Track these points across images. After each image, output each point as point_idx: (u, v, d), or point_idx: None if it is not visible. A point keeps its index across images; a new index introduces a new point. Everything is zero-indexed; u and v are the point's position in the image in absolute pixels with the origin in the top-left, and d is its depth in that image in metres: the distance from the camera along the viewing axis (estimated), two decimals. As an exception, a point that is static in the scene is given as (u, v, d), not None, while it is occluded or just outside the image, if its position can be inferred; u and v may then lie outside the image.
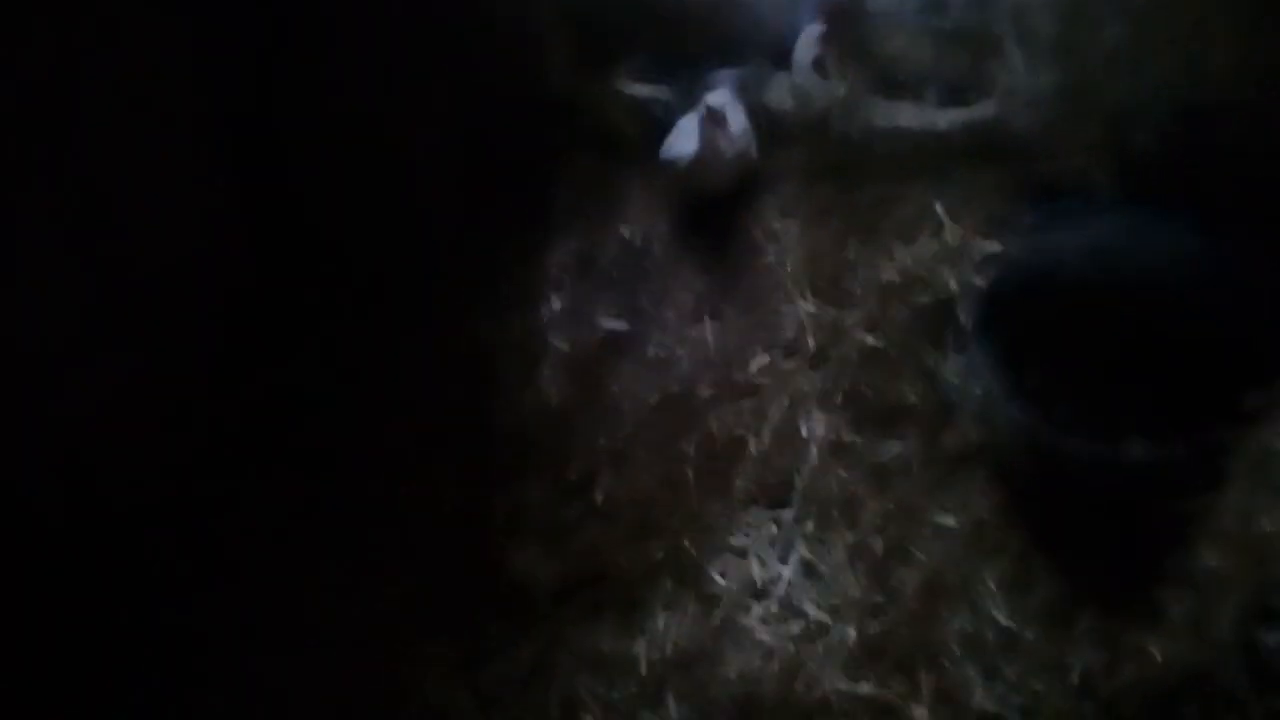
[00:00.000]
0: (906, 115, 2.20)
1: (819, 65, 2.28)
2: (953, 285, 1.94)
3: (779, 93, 2.32)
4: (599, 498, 1.82)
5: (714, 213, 2.21)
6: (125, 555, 1.64)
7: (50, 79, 1.38)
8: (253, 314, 2.02)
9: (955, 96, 2.19)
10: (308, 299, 2.10)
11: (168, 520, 1.78)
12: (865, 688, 1.54)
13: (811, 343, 1.98)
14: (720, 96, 2.11)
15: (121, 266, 1.58)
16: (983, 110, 2.13)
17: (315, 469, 1.90)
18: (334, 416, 1.98)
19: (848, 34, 2.30)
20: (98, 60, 1.49)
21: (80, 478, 1.51)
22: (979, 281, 1.88)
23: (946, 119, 2.16)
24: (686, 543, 1.75)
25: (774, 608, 1.67)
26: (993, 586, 1.60)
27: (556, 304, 2.12)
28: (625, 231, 2.22)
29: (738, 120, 2.21)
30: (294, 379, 2.01)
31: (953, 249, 2.00)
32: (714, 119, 2.07)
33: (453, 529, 1.81)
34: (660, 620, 1.66)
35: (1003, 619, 1.57)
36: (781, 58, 2.34)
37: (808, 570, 1.70)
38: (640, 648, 1.63)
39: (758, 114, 2.27)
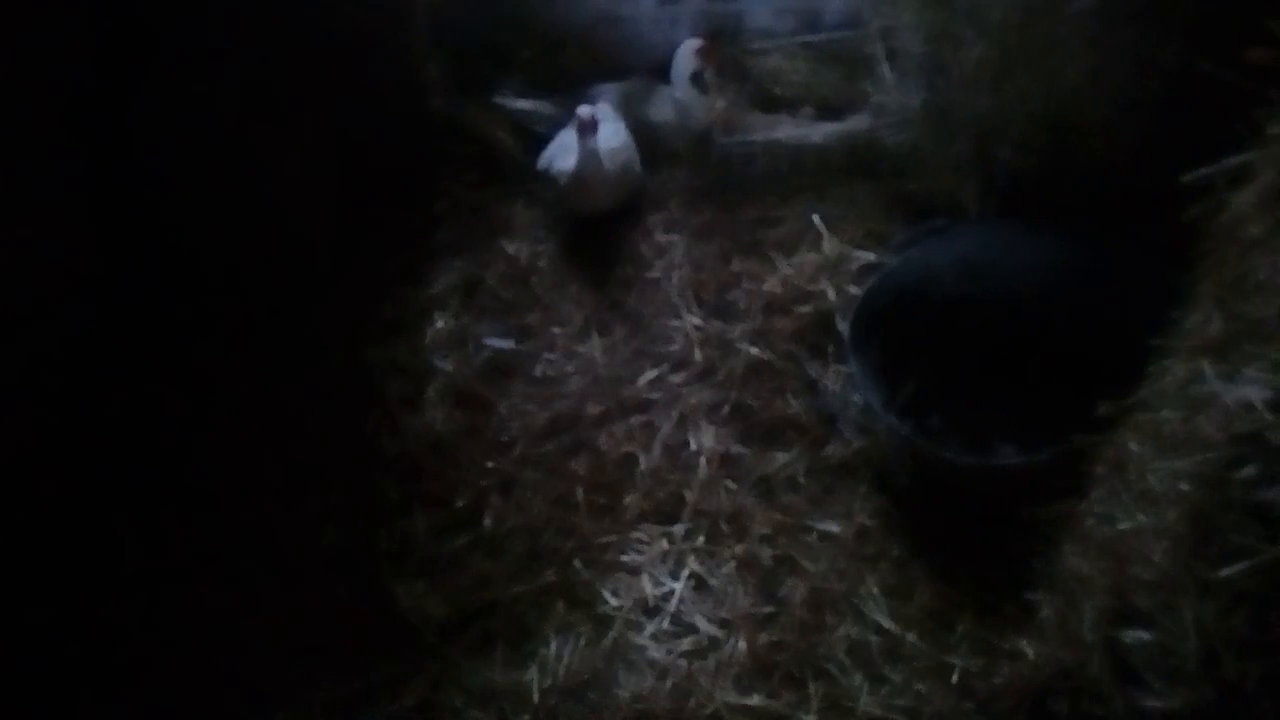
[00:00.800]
0: (784, 129, 2.25)
1: (698, 80, 2.31)
2: (832, 296, 2.00)
3: (661, 107, 2.34)
4: (487, 524, 1.79)
5: (599, 229, 2.21)
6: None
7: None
8: (114, 341, 1.91)
9: (830, 113, 2.25)
10: (176, 324, 2.00)
11: (17, 568, 1.66)
12: (756, 699, 1.56)
13: (699, 357, 2.00)
14: (591, 108, 2.11)
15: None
16: (855, 124, 2.20)
17: (188, 504, 1.81)
18: (206, 448, 1.89)
19: (725, 50, 2.34)
20: None
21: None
22: (856, 292, 1.94)
23: (822, 133, 2.21)
24: (578, 564, 1.74)
25: (666, 624, 1.67)
26: (876, 593, 1.64)
27: (441, 325, 2.08)
28: (510, 249, 2.20)
29: (619, 134, 2.22)
30: (161, 408, 1.91)
31: (831, 261, 2.06)
32: (585, 127, 2.07)
33: (336, 564, 1.74)
34: (553, 646, 1.65)
35: (886, 623, 1.61)
36: (661, 73, 2.36)
37: (699, 584, 1.72)
38: (533, 676, 1.61)
39: (640, 128, 2.28)
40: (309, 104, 2.06)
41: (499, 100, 2.33)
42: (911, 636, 1.59)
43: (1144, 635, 1.22)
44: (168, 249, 1.99)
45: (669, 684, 1.58)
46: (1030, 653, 1.50)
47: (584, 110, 2.08)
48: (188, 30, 1.94)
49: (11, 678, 1.59)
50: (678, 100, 2.31)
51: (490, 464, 1.87)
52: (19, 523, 1.69)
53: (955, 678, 1.54)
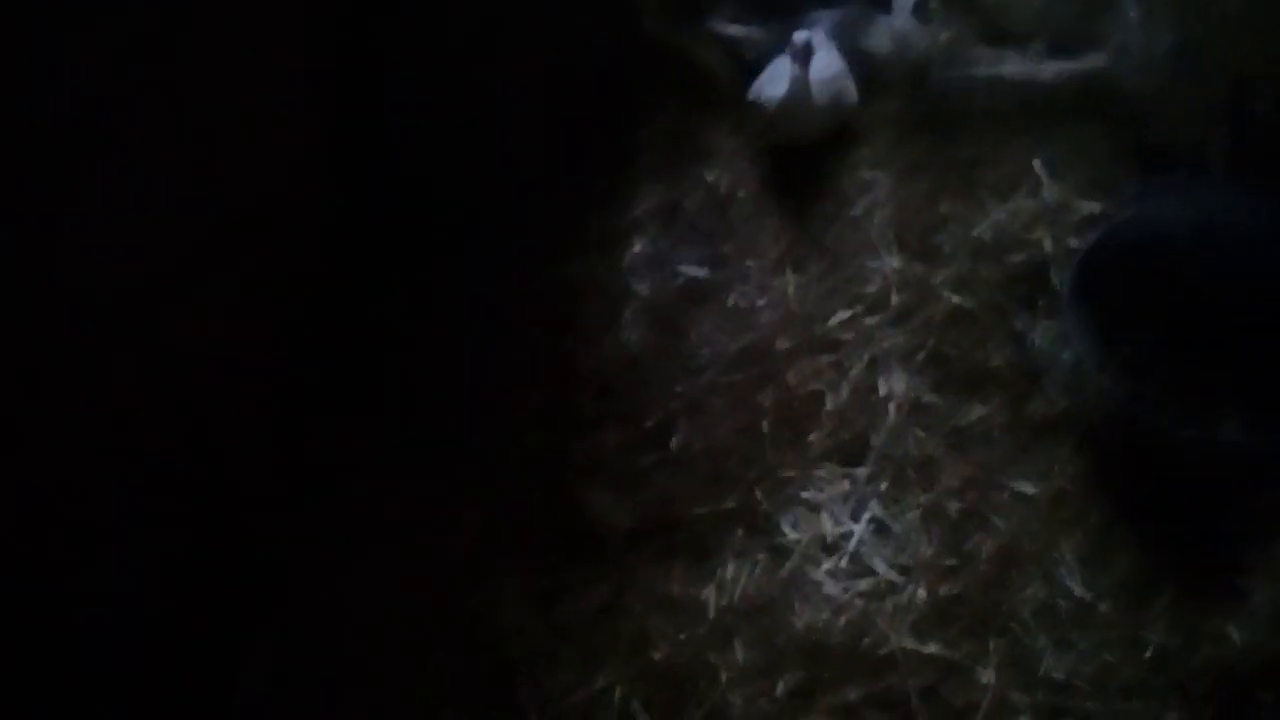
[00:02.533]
0: (1010, 65, 2.12)
1: (920, 9, 2.21)
2: (1048, 246, 1.90)
3: (878, 37, 2.25)
4: (674, 446, 1.84)
5: (804, 161, 2.16)
6: (223, 478, 1.72)
7: (160, 20, 1.40)
8: (345, 252, 2.05)
9: (1063, 50, 2.10)
10: (397, 237, 2.13)
11: (266, 447, 1.85)
12: (934, 648, 1.56)
13: (896, 300, 1.95)
14: (807, 33, 2.05)
15: (225, 202, 1.62)
16: (1092, 64, 2.05)
17: (404, 401, 1.95)
18: (421, 352, 2.01)
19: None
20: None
21: (186, 406, 1.57)
22: (1076, 245, 1.84)
23: (1052, 71, 2.08)
24: (759, 494, 1.77)
25: (844, 563, 1.68)
26: (1070, 558, 1.59)
27: (639, 249, 2.12)
28: (711, 178, 2.19)
29: (833, 64, 2.15)
30: (383, 316, 2.05)
31: (1051, 209, 1.95)
32: (799, 55, 2.02)
33: (531, 468, 1.84)
34: (730, 568, 1.69)
35: (1078, 590, 1.56)
36: (880, 1, 2.27)
37: (879, 528, 1.71)
38: (710, 593, 1.66)
39: (855, 58, 2.21)
40: (530, 30, 2.11)
41: (711, 25, 2.31)
42: (1104, 606, 1.54)
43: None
44: (398, 168, 2.10)
45: (844, 620, 1.60)
46: (1237, 639, 1.43)
47: (799, 36, 2.03)
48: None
49: (236, 539, 1.77)
50: (897, 30, 2.22)
51: (679, 388, 1.91)
52: (281, 411, 1.85)
53: (1150, 653, 1.48)
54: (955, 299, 1.91)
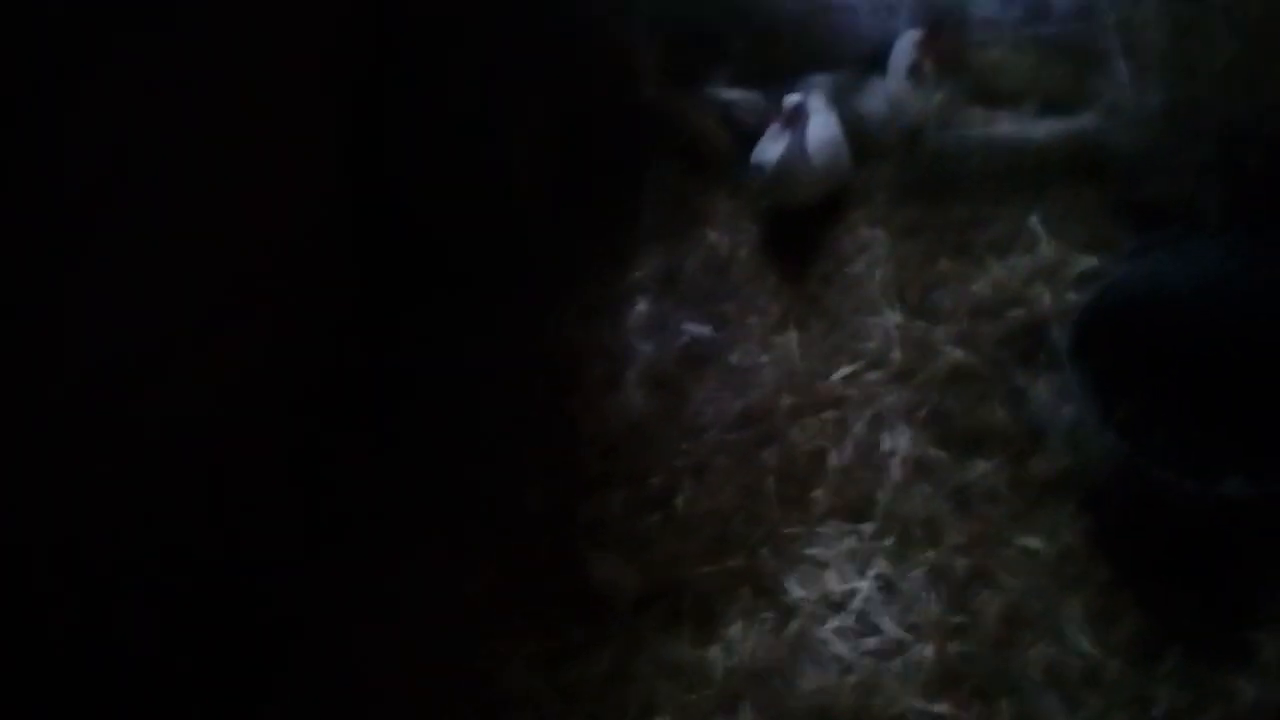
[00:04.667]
0: (1004, 126, 2.17)
1: (915, 72, 2.26)
2: (1047, 303, 1.92)
3: (873, 100, 2.30)
4: (679, 506, 1.85)
5: (803, 222, 2.20)
6: (235, 536, 1.73)
7: (172, 82, 1.44)
8: (355, 310, 2.09)
9: (1055, 110, 2.15)
10: (406, 296, 2.17)
11: (278, 505, 1.87)
12: (943, 708, 1.54)
13: (897, 357, 1.97)
14: (798, 97, 2.11)
15: (238, 261, 1.66)
16: (1084, 123, 2.09)
17: (413, 454, 1.97)
18: (430, 411, 2.04)
19: (946, 41, 2.27)
20: (230, 55, 1.57)
21: (199, 463, 1.60)
22: (1075, 301, 1.86)
23: (1045, 131, 2.12)
24: (764, 553, 1.77)
25: (851, 622, 1.67)
26: (1078, 615, 1.58)
27: (642, 309, 2.15)
28: (712, 239, 2.24)
29: (830, 127, 2.20)
30: (393, 372, 2.08)
31: (1048, 266, 1.98)
32: (791, 118, 2.07)
33: (538, 528, 1.85)
34: (737, 628, 1.69)
35: (1086, 648, 1.55)
36: (877, 64, 2.33)
37: (886, 587, 1.71)
38: (717, 655, 1.65)
39: (851, 122, 2.26)
40: (534, 91, 2.17)
41: (710, 90, 2.37)
42: (1114, 664, 1.52)
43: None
44: (407, 223, 2.15)
45: (852, 680, 1.59)
46: (1248, 694, 1.42)
47: (790, 100, 2.09)
48: (435, 25, 2.08)
49: (241, 594, 1.78)
50: (891, 93, 2.27)
51: (683, 448, 1.92)
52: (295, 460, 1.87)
53: (1159, 711, 1.46)
54: (956, 355, 1.93)
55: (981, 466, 1.79)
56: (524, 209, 2.24)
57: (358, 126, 2.05)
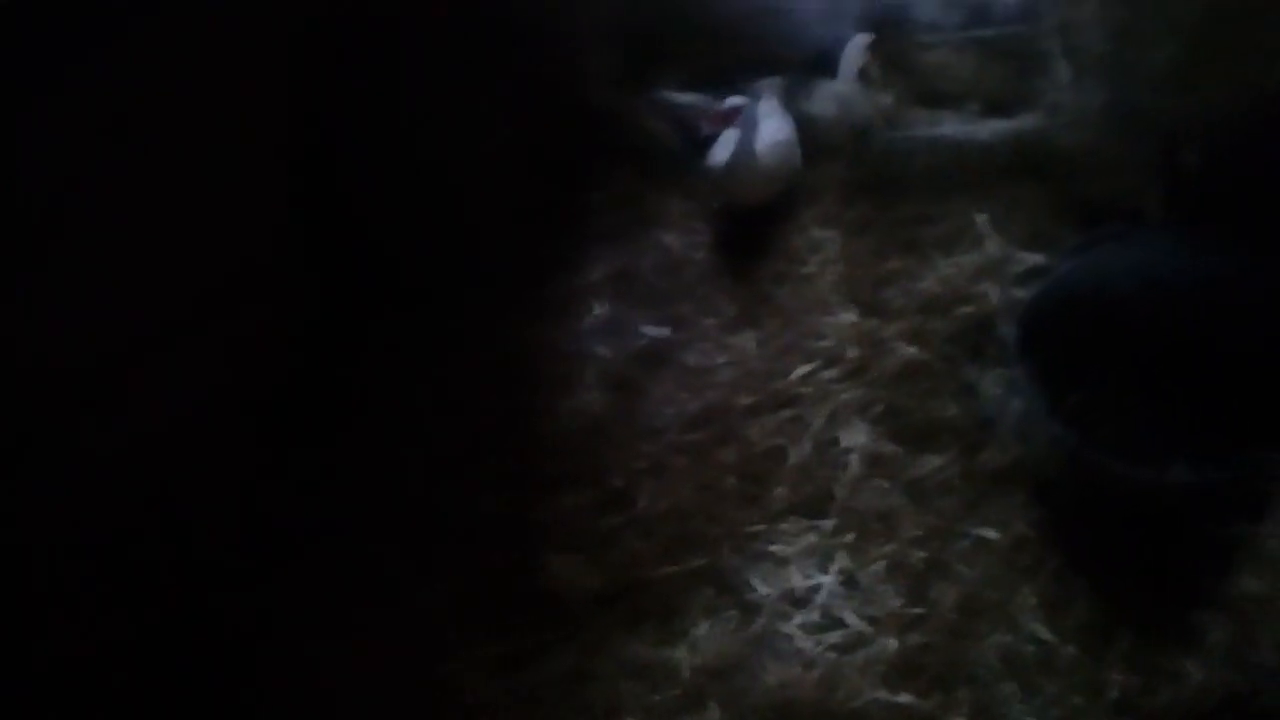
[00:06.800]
0: (949, 126, 2.22)
1: (863, 75, 2.30)
2: (994, 299, 1.96)
3: (822, 102, 2.33)
4: (639, 506, 1.84)
5: (756, 223, 2.22)
6: (189, 549, 1.69)
7: (126, 98, 1.42)
8: (308, 321, 2.06)
9: (999, 110, 2.20)
10: (358, 307, 2.14)
11: (232, 519, 1.82)
12: (905, 698, 1.56)
13: (851, 354, 1.99)
14: (741, 99, 2.14)
15: (192, 275, 1.63)
16: (1027, 123, 2.14)
17: (368, 468, 1.95)
18: (383, 418, 2.01)
19: (892, 44, 2.32)
20: (183, 74, 1.54)
21: (152, 476, 1.56)
22: (1021, 296, 1.90)
23: (989, 131, 2.17)
24: (726, 551, 1.78)
25: (814, 616, 1.69)
26: (1032, 603, 1.62)
27: (598, 312, 2.14)
28: (666, 240, 2.24)
29: (782, 128, 2.23)
30: (345, 384, 2.05)
31: (994, 263, 2.02)
32: (728, 118, 2.09)
33: (495, 534, 1.84)
34: (701, 627, 1.69)
35: (1041, 635, 1.58)
36: (826, 67, 2.36)
37: (847, 580, 1.72)
38: (681, 654, 1.65)
39: (800, 122, 2.29)
40: (484, 98, 2.16)
41: (660, 94, 2.38)
42: (1068, 650, 1.56)
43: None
44: (358, 233, 2.12)
45: (816, 674, 1.60)
46: (1196, 675, 1.46)
47: (730, 102, 2.12)
48: (383, 32, 2.05)
49: (202, 613, 1.74)
50: (840, 94, 2.30)
51: (642, 449, 1.92)
52: (201, 483, 1.84)
53: (1114, 694, 1.50)
54: (908, 352, 1.96)
55: (935, 460, 1.82)
56: (477, 216, 2.22)
57: (309, 139, 2.02)
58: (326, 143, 2.04)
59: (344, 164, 2.08)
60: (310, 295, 2.07)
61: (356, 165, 2.09)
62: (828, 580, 1.72)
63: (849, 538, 1.76)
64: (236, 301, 1.75)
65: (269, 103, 1.90)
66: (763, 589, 1.72)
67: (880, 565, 1.71)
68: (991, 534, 1.70)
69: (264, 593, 1.79)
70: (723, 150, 2.17)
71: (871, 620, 1.66)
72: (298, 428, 1.99)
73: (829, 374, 1.99)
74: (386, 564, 1.83)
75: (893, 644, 1.61)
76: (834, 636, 1.65)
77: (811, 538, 1.78)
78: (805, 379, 1.99)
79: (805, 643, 1.64)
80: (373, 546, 1.86)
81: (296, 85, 1.97)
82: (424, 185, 2.12)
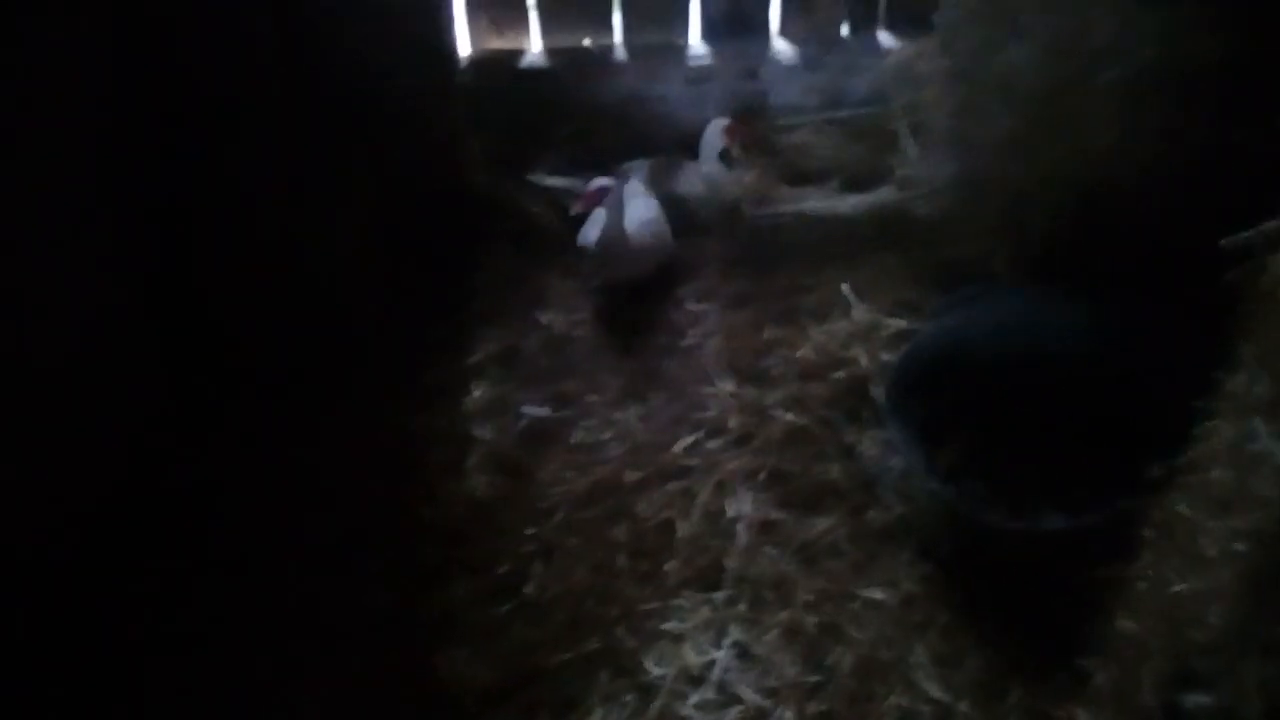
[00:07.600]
0: (812, 201, 2.31)
1: (725, 156, 2.39)
2: (865, 362, 2.03)
3: (689, 182, 2.41)
4: (529, 592, 1.78)
5: (635, 299, 2.25)
6: (32, 665, 1.54)
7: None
8: (166, 416, 1.95)
9: (857, 185, 2.31)
10: (221, 395, 2.04)
11: (81, 627, 1.67)
12: (807, 772, 1.54)
13: (735, 423, 2.01)
14: (606, 180, 2.19)
15: (28, 362, 1.52)
16: (883, 196, 2.26)
17: (233, 570, 1.82)
18: (251, 516, 1.90)
19: (752, 127, 2.42)
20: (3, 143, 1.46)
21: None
22: (889, 359, 1.96)
23: (850, 204, 2.27)
24: (620, 632, 1.73)
25: (711, 694, 1.65)
26: (925, 661, 1.62)
27: (480, 394, 2.11)
28: (548, 319, 2.24)
29: (650, 206, 2.29)
30: (209, 481, 1.94)
31: (863, 329, 2.10)
32: (594, 199, 2.15)
33: (378, 630, 1.74)
34: (598, 716, 1.63)
35: (936, 693, 1.59)
36: (690, 148, 2.44)
37: (742, 653, 1.69)
38: (578, 747, 1.59)
39: (671, 202, 2.35)
40: (356, 182, 2.13)
41: (535, 177, 2.41)
42: (963, 706, 1.56)
43: (1204, 699, 1.20)
44: (218, 324, 2.04)
45: (716, 755, 1.56)
46: (1085, 720, 1.48)
47: (595, 183, 2.19)
48: (233, 110, 2.01)
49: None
50: (706, 174, 2.39)
51: (531, 531, 1.88)
52: (57, 590, 1.70)
53: (1010, 747, 1.51)
54: (789, 417, 1.99)
55: (822, 523, 1.83)
56: (351, 300, 2.17)
57: (154, 233, 1.94)
58: (181, 236, 1.96)
59: (199, 256, 2.00)
60: (172, 390, 1.96)
61: (216, 257, 2.01)
62: (722, 655, 1.68)
63: (742, 608, 1.74)
64: (67, 400, 1.64)
65: (112, 194, 1.81)
66: (658, 669, 1.67)
67: (775, 634, 1.70)
68: (880, 594, 1.71)
69: (112, 708, 1.63)
70: (592, 229, 2.21)
71: (769, 693, 1.63)
72: (159, 527, 1.85)
73: (714, 444, 2.00)
74: (258, 671, 1.70)
75: (791, 716, 1.59)
76: (732, 714, 1.60)
77: (706, 611, 1.75)
78: (691, 450, 1.99)
79: (704, 723, 1.60)
80: (241, 657, 1.72)
81: (129, 173, 1.89)
82: (274, 267, 2.05)
